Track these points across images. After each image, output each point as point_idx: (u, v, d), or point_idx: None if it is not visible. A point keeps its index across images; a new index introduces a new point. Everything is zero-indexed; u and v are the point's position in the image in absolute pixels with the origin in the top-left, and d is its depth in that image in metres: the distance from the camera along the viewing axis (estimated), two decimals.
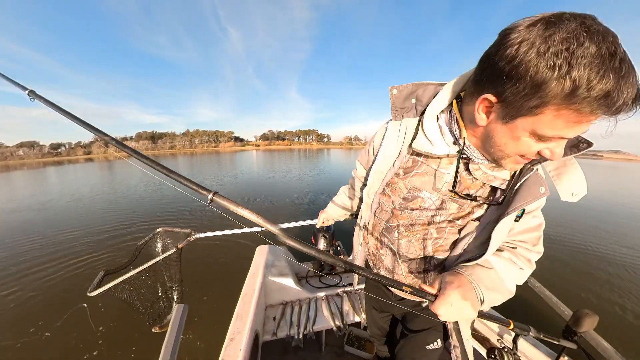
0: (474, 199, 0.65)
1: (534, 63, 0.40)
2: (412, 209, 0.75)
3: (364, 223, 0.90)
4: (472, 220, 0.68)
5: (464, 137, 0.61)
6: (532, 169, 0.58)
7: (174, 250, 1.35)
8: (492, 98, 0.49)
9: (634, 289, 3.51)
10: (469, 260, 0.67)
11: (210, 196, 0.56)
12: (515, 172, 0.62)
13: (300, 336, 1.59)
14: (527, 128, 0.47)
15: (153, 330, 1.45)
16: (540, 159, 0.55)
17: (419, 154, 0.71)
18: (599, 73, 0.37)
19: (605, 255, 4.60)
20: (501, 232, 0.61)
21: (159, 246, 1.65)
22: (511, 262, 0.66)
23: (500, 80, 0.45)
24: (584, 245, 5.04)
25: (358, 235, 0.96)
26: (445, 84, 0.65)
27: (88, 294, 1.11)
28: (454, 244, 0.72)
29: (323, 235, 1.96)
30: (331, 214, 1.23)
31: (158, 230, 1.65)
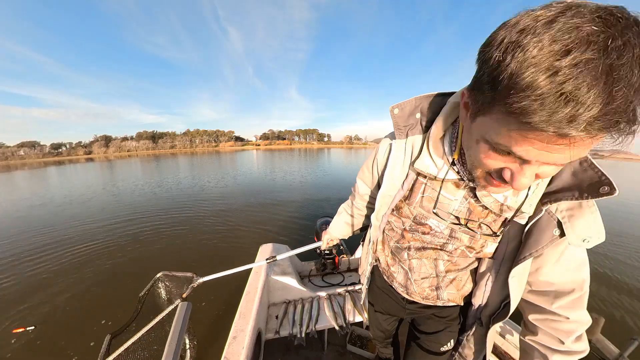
0: (479, 228, 0.62)
1: (500, 39, 0.32)
2: (423, 233, 0.71)
3: (373, 241, 0.88)
4: (486, 253, 0.65)
5: (452, 158, 0.56)
6: (542, 210, 0.52)
7: (179, 301, 1.27)
8: (466, 90, 0.43)
9: (638, 288, 3.50)
10: (494, 309, 0.68)
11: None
12: (537, 206, 0.54)
13: (303, 335, 1.59)
14: (481, 130, 0.40)
15: None
16: (552, 197, 0.51)
17: (424, 176, 0.65)
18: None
19: (607, 254, 4.58)
20: (517, 283, 0.60)
21: (163, 292, 1.58)
22: None
23: (477, 68, 0.38)
24: None
25: (367, 254, 0.94)
26: (453, 93, 0.57)
27: None
28: (476, 282, 0.72)
29: None
30: (334, 234, 1.21)
31: (158, 275, 1.58)
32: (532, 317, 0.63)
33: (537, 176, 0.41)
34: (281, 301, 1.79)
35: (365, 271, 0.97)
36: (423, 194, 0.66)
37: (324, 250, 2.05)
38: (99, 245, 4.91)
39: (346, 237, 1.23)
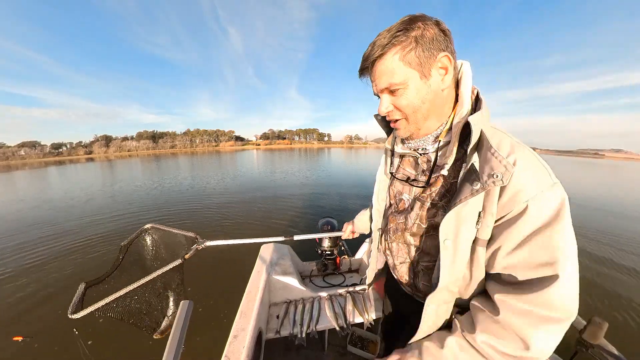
0: (413, 183, 0.72)
1: None
2: (398, 213, 0.79)
3: (376, 227, 0.95)
4: (437, 222, 0.65)
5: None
6: (461, 164, 0.60)
7: (179, 261, 1.12)
8: None
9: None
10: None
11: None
12: (461, 166, 0.61)
13: (303, 335, 1.58)
14: None
15: (155, 336, 1.19)
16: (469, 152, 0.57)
17: (402, 156, 0.81)
18: None
19: (611, 256, 4.57)
20: (450, 249, 0.58)
21: (149, 245, 1.39)
22: (474, 350, 0.57)
23: None
24: (586, 246, 5.01)
25: (373, 237, 1.02)
26: None
27: (70, 316, 0.85)
28: (434, 258, 0.70)
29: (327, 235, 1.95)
30: (358, 225, 1.24)
31: (146, 226, 1.36)
32: (497, 296, 0.56)
33: (396, 107, 0.63)
34: (282, 301, 1.79)
35: (373, 257, 1.05)
36: (398, 173, 0.81)
37: (326, 250, 2.04)
38: (96, 244, 4.91)
39: (367, 232, 1.26)
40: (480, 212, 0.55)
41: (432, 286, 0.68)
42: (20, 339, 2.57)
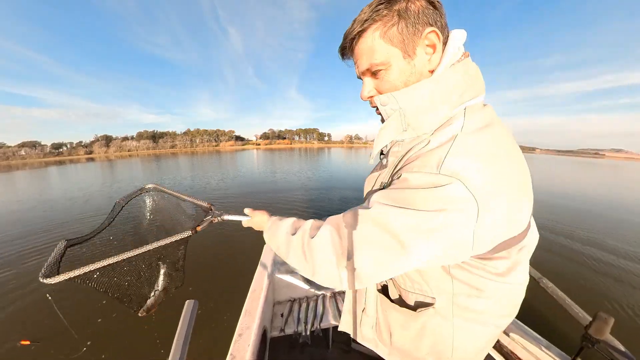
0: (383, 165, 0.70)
1: None
2: None
3: None
4: None
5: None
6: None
7: (188, 233, 0.92)
8: None
9: None
10: None
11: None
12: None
13: (308, 333, 1.58)
14: None
15: (140, 314, 1.00)
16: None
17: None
18: None
19: (618, 253, 4.57)
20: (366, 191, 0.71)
21: (148, 209, 1.19)
22: (292, 227, 0.69)
23: None
24: (591, 242, 5.01)
25: None
26: None
27: (41, 280, 0.63)
28: None
29: None
30: None
31: (148, 186, 1.18)
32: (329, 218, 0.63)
33: (378, 91, 0.58)
34: (286, 299, 1.79)
35: None
36: None
37: None
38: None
39: None
40: (382, 183, 0.62)
41: None
42: (27, 343, 2.54)
